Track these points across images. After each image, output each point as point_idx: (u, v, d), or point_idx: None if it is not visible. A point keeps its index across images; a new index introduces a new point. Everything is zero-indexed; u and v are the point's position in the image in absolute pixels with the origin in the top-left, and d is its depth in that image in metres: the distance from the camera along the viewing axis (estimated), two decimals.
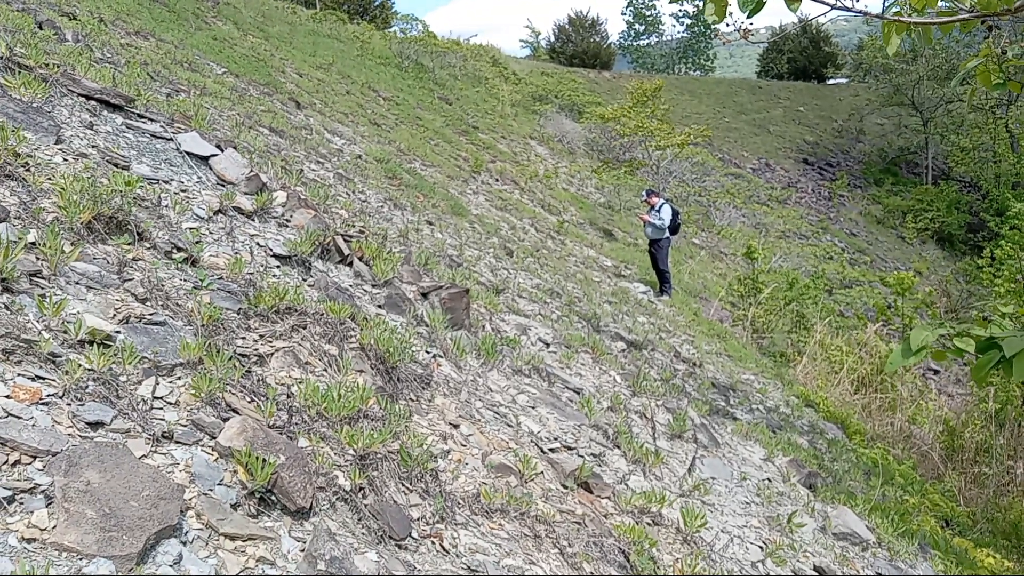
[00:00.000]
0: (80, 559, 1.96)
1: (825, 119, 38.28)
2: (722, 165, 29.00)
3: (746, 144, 33.44)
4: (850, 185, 31.55)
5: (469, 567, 2.90)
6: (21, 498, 2.04)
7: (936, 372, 16.01)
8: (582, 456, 4.60)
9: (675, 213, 12.35)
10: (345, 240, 5.34)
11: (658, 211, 12.24)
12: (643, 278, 12.90)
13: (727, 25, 3.34)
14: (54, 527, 2.00)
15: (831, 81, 47.29)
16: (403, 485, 3.13)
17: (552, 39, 48.34)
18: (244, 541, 2.33)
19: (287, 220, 5.13)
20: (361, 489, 2.88)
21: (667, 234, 12.31)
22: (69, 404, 2.45)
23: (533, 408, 4.97)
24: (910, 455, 10.45)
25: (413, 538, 2.87)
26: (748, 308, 14.14)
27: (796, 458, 6.97)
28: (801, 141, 35.37)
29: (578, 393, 5.75)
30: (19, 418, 2.26)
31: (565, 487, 4.08)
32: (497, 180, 15.29)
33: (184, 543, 2.19)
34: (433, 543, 2.93)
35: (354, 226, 6.08)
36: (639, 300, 11.22)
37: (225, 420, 2.75)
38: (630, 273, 13.10)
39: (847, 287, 21.06)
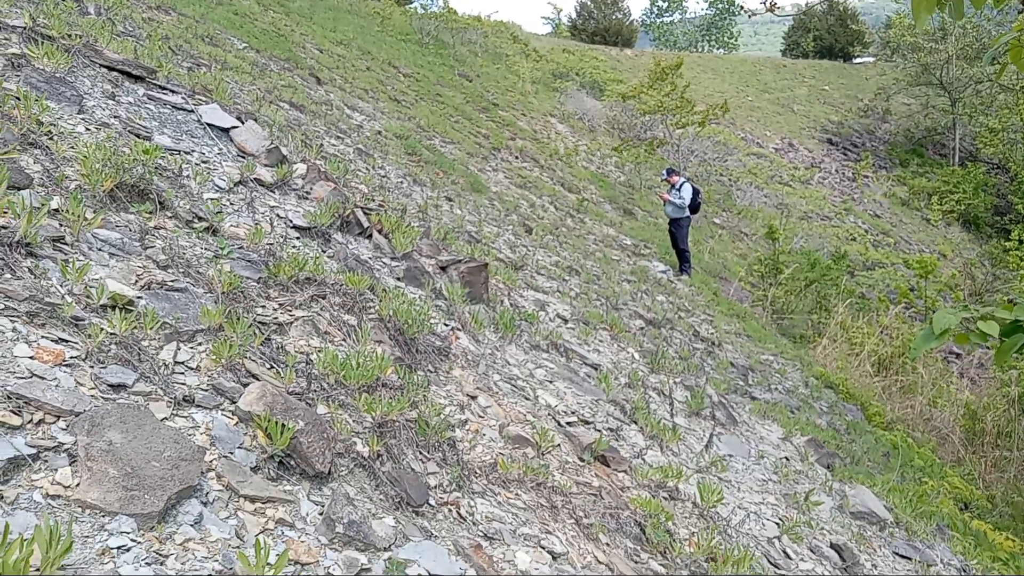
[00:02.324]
0: (103, 516, 2.00)
1: (851, 98, 37.59)
2: (744, 144, 28.62)
3: (769, 123, 32.96)
4: (875, 166, 30.99)
5: (486, 535, 2.92)
6: (45, 456, 2.08)
7: (958, 355, 15.81)
8: (599, 430, 4.60)
9: (695, 192, 12.24)
10: (365, 213, 5.34)
11: (678, 190, 12.15)
12: (663, 257, 12.83)
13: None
14: (77, 484, 2.03)
15: (857, 60, 46.36)
16: (421, 453, 3.15)
17: (574, 16, 47.83)
18: (264, 503, 2.35)
19: (307, 192, 5.14)
20: (379, 456, 2.90)
21: (687, 213, 12.22)
22: (92, 366, 2.48)
23: (551, 382, 4.97)
24: (930, 438, 10.38)
25: (430, 505, 2.89)
26: (768, 289, 14.03)
27: (815, 438, 6.93)
28: (826, 121, 34.80)
29: (596, 369, 5.74)
30: (43, 379, 2.29)
31: (582, 460, 4.08)
32: (517, 157, 15.22)
33: (205, 503, 2.22)
34: (450, 511, 2.95)
35: (374, 200, 6.09)
36: (658, 279, 11.17)
37: (245, 385, 2.77)
38: (649, 252, 13.03)
39: (870, 269, 20.80)
